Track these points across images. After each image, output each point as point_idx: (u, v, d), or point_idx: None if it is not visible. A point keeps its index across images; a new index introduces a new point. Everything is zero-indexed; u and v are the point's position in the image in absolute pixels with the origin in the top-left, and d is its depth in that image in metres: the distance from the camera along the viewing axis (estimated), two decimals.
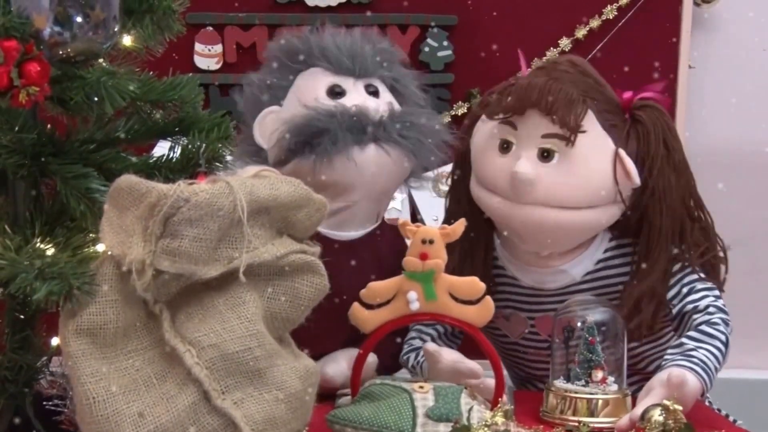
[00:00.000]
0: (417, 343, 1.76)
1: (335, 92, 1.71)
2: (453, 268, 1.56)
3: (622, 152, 1.64)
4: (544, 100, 1.62)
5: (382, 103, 1.71)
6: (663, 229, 1.66)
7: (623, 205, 1.66)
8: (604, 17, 2.47)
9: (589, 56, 2.41)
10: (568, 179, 1.63)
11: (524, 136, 1.64)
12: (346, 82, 1.72)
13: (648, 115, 1.67)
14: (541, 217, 1.63)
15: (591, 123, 1.63)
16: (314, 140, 1.62)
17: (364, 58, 1.74)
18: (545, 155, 1.63)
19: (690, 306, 1.66)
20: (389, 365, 1.76)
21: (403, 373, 1.77)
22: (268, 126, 1.70)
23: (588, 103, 1.63)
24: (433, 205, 2.29)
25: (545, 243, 1.69)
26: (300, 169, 1.62)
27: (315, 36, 1.77)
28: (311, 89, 1.71)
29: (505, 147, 1.66)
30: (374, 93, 1.73)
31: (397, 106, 1.73)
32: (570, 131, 1.61)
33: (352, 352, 1.70)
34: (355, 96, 1.70)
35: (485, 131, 1.71)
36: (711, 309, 1.63)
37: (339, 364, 1.65)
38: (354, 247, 1.70)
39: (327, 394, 1.58)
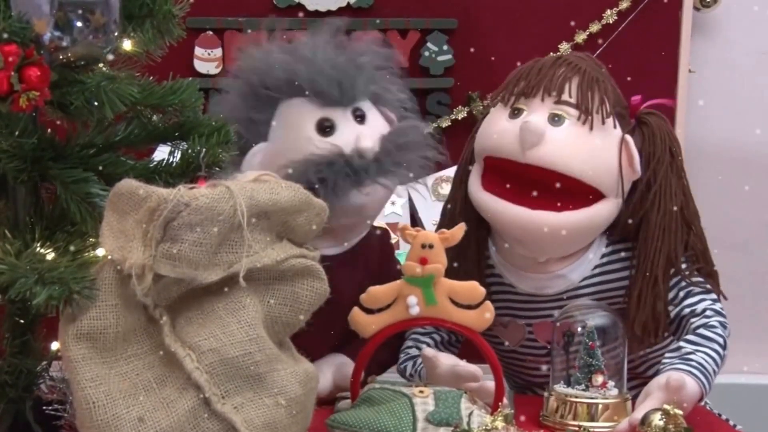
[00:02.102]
0: (414, 351, 1.76)
1: (325, 127, 1.65)
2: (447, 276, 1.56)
3: (628, 138, 1.66)
4: (563, 69, 1.65)
5: (373, 133, 1.66)
6: (662, 232, 1.66)
7: (621, 200, 1.67)
8: (604, 21, 2.47)
9: None
10: (575, 144, 1.63)
11: (536, 103, 1.65)
12: (335, 114, 1.66)
13: (654, 120, 1.70)
14: (541, 219, 1.63)
15: (602, 104, 1.65)
16: (313, 190, 1.56)
17: (351, 85, 1.66)
18: (555, 119, 1.64)
19: (687, 310, 1.66)
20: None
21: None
22: (255, 167, 1.62)
23: (604, 85, 1.65)
24: (432, 210, 2.29)
25: (544, 247, 1.68)
26: None
27: (293, 61, 1.66)
28: (300, 126, 1.65)
29: (515, 113, 1.67)
30: (361, 117, 1.68)
31: (385, 127, 1.70)
32: (585, 106, 1.63)
33: (338, 359, 1.70)
34: (347, 130, 1.64)
35: (493, 111, 1.72)
36: (708, 312, 1.64)
37: (324, 376, 1.63)
38: (335, 263, 1.59)
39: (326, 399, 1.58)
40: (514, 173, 1.65)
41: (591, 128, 1.64)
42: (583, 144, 1.63)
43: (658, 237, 1.66)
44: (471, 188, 1.72)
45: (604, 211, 1.66)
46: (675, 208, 1.67)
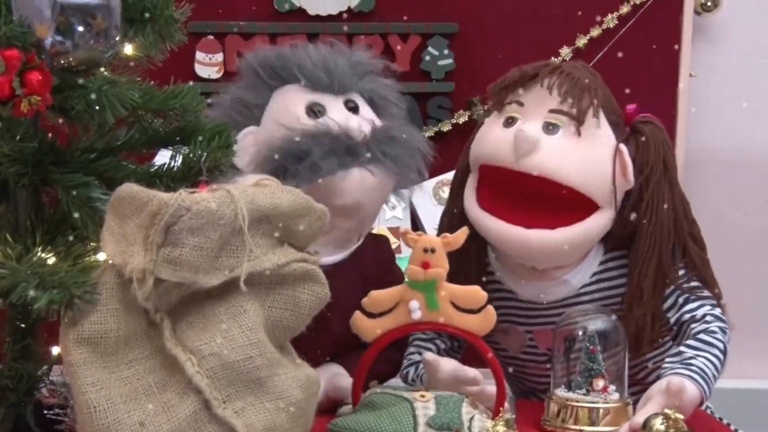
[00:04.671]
0: (416, 357, 1.76)
1: (314, 110, 1.65)
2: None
3: (623, 147, 1.66)
4: (556, 77, 1.65)
5: (364, 121, 1.66)
6: (653, 243, 1.66)
7: (614, 211, 1.67)
8: (604, 26, 2.47)
9: (590, 65, 2.40)
10: (569, 153, 1.63)
11: (530, 111, 1.66)
12: (326, 99, 1.67)
13: (649, 129, 1.69)
14: (536, 239, 1.63)
15: (595, 110, 1.64)
16: (296, 163, 1.57)
17: (341, 72, 1.68)
18: (550, 128, 1.64)
19: (687, 315, 1.66)
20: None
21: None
22: (247, 148, 1.63)
23: (597, 92, 1.65)
24: (433, 214, 2.29)
25: (541, 261, 1.69)
26: None
27: (290, 51, 1.71)
28: (289, 108, 1.66)
29: (509, 121, 1.67)
30: (354, 109, 1.68)
31: (378, 122, 1.69)
32: (579, 114, 1.63)
33: (333, 370, 1.69)
34: (336, 113, 1.64)
35: (488, 121, 1.72)
36: (708, 317, 1.64)
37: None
38: (334, 271, 1.56)
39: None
40: (509, 183, 1.65)
41: (581, 135, 1.64)
42: (577, 153, 1.63)
43: (649, 248, 1.66)
44: (466, 203, 1.72)
45: (598, 224, 1.67)
46: (666, 219, 1.67)
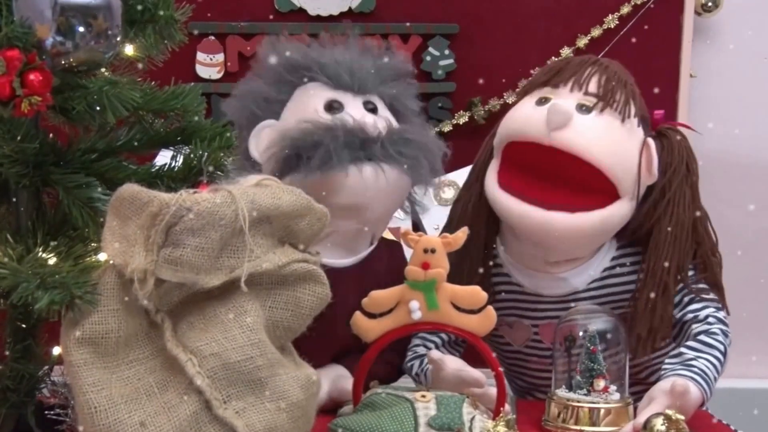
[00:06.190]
0: (421, 350, 1.76)
1: (333, 107, 1.66)
2: (451, 275, 1.56)
3: (650, 141, 1.67)
4: (596, 69, 1.68)
5: (381, 120, 1.65)
6: (674, 239, 1.66)
7: (635, 203, 1.67)
8: (605, 26, 2.47)
9: None
10: (600, 133, 1.64)
11: (564, 93, 1.67)
12: (345, 97, 1.68)
13: (674, 135, 1.72)
14: (554, 220, 1.63)
15: (627, 103, 1.67)
16: (308, 155, 1.57)
17: (363, 74, 1.70)
18: (583, 108, 1.64)
19: (690, 315, 1.66)
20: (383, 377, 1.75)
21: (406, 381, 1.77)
22: (264, 140, 1.65)
23: (628, 86, 1.68)
24: (434, 214, 2.29)
25: (557, 246, 1.68)
26: (294, 186, 1.57)
27: (314, 50, 1.73)
28: (309, 104, 1.67)
29: (542, 101, 1.68)
30: (373, 110, 1.69)
31: (395, 123, 1.69)
32: (614, 101, 1.66)
33: (336, 371, 1.69)
34: (354, 111, 1.65)
35: (519, 103, 1.74)
36: (711, 319, 1.64)
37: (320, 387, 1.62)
38: (343, 275, 1.60)
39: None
40: (535, 160, 1.65)
41: (613, 120, 1.65)
42: (608, 134, 1.64)
43: (670, 244, 1.66)
44: (487, 184, 1.71)
45: (617, 213, 1.66)
46: (687, 219, 1.67)
